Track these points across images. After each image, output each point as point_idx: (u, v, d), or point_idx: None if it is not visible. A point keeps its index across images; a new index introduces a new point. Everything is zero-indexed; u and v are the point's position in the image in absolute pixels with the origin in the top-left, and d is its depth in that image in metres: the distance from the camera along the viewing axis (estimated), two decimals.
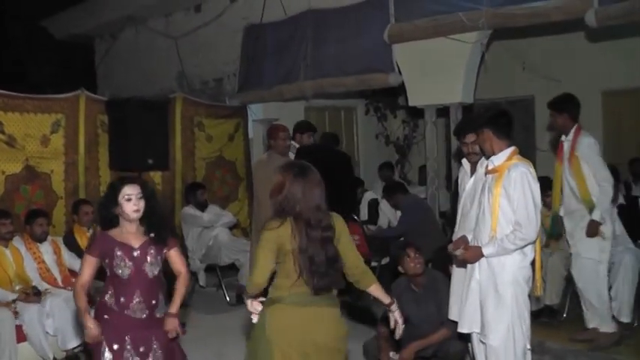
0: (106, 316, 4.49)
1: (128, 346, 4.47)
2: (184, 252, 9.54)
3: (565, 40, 9.87)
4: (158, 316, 4.62)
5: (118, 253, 4.46)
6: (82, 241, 7.84)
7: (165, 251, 4.69)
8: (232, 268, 9.42)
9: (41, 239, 7.42)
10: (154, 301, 4.57)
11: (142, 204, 4.53)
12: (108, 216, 4.59)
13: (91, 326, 4.39)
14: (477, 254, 4.99)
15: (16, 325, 6.63)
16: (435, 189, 8.87)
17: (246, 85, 10.87)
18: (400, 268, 6.21)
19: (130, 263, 4.48)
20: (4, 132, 8.09)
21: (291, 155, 8.32)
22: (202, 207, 9.35)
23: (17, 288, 7.00)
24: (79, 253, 7.64)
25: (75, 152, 8.84)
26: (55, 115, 8.64)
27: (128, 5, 12.61)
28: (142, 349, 4.51)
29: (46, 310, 6.76)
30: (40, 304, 6.77)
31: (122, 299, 4.47)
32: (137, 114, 8.56)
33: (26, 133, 8.32)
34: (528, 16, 7.45)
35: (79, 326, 6.25)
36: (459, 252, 5.11)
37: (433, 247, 7.27)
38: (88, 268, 4.48)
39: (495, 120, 5.07)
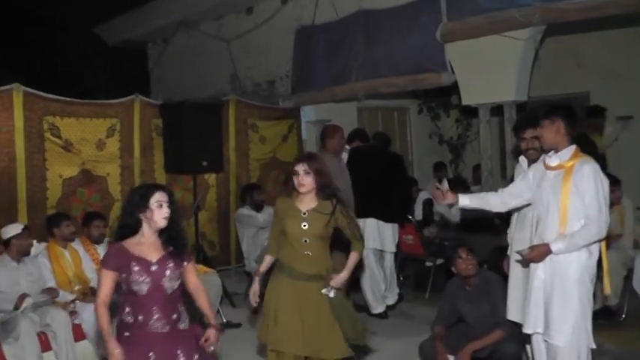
0: (126, 334, 4.28)
1: None
2: (240, 253, 9.62)
3: (622, 34, 9.68)
4: (182, 327, 4.41)
5: (135, 268, 4.23)
6: None
7: (185, 264, 4.48)
8: None
9: (98, 241, 7.50)
10: (174, 316, 4.36)
11: (169, 212, 4.37)
12: (130, 223, 4.36)
13: (115, 351, 4.12)
14: (543, 252, 4.87)
15: (75, 324, 6.69)
16: (490, 188, 8.75)
17: (299, 86, 10.88)
18: (453, 269, 6.16)
19: (148, 279, 4.24)
20: (60, 137, 8.19)
21: (344, 156, 8.31)
22: (258, 208, 9.33)
23: (76, 288, 7.10)
24: None
25: (130, 156, 8.91)
26: (110, 119, 8.72)
27: (180, 10, 12.68)
28: None
29: None
30: None
31: (140, 317, 4.25)
32: (191, 117, 8.64)
33: (82, 137, 8.42)
34: (582, 10, 7.33)
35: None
36: (525, 252, 5.00)
37: (488, 247, 7.19)
38: (106, 283, 4.23)
39: (570, 113, 4.95)
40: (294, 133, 11.06)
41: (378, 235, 8.24)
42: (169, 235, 4.41)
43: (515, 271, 5.62)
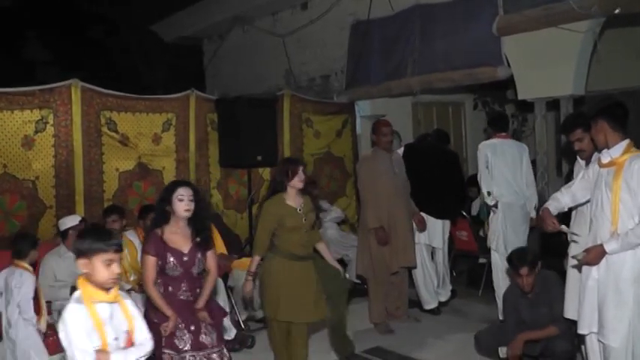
0: None
1: (180, 325, 5.01)
2: None
3: None
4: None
5: (171, 259, 5.04)
6: None
7: (207, 253, 5.26)
8: (340, 264, 9.38)
9: None
10: (198, 290, 5.21)
11: (192, 206, 5.09)
12: (160, 213, 5.15)
13: (170, 314, 4.95)
14: (598, 254, 4.80)
15: None
16: (545, 184, 8.64)
17: (354, 81, 10.84)
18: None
19: (181, 268, 5.07)
20: (117, 131, 8.30)
21: (400, 152, 8.28)
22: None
23: (132, 278, 7.23)
24: None
25: (185, 150, 9.00)
26: (166, 114, 8.81)
27: (235, 6, 12.74)
28: (192, 328, 5.04)
29: None
30: None
31: (170, 288, 5.10)
32: (246, 112, 8.69)
33: (138, 132, 8.53)
34: None
35: None
36: (580, 256, 4.93)
37: (540, 245, 7.11)
38: (151, 268, 5.04)
39: (611, 111, 4.90)
40: (349, 128, 11.04)
41: (428, 231, 8.20)
42: (195, 227, 5.17)
43: (573, 269, 5.56)
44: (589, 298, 4.95)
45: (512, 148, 7.70)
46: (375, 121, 8.54)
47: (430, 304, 8.30)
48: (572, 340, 5.75)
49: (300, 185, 5.98)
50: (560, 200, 5.35)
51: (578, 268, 5.22)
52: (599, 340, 4.96)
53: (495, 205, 7.57)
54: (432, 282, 8.32)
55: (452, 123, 12.34)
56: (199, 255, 5.16)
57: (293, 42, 12.15)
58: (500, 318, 7.18)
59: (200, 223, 5.19)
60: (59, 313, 6.35)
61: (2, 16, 18.26)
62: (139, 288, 6.96)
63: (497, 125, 7.96)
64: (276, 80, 12.52)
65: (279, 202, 5.96)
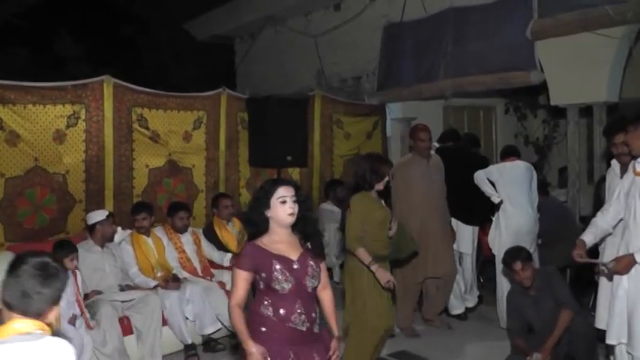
0: (263, 329, 4.03)
1: None
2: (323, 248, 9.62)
3: None
4: (315, 331, 4.14)
5: (277, 266, 4.01)
6: (222, 233, 8.05)
7: (320, 264, 4.26)
8: None
9: (182, 231, 7.63)
10: (313, 314, 4.12)
11: (296, 208, 4.11)
12: (258, 220, 4.13)
13: (254, 350, 3.91)
14: (629, 263, 4.73)
15: None
16: (576, 191, 8.58)
17: (385, 83, 10.80)
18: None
19: (291, 277, 4.02)
20: (148, 128, 8.31)
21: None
22: (340, 204, 9.32)
23: (159, 275, 7.25)
24: (219, 245, 7.88)
25: (216, 148, 9.00)
26: (197, 112, 8.81)
27: (268, 6, 12.75)
28: None
29: (186, 297, 6.97)
30: (180, 291, 6.97)
31: (282, 311, 4.02)
32: (277, 111, 8.68)
33: (169, 129, 8.53)
34: None
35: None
36: (610, 265, 4.87)
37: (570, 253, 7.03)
38: (242, 284, 4.05)
39: None
40: (379, 130, 10.99)
41: (457, 236, 8.15)
42: (304, 232, 4.22)
43: (604, 278, 5.49)
44: (618, 308, 4.88)
45: (522, 171, 7.75)
46: (413, 125, 8.48)
47: (457, 309, 8.24)
48: (587, 316, 5.70)
49: (382, 187, 5.87)
50: (599, 224, 5.26)
51: (607, 276, 5.16)
52: (628, 352, 4.89)
53: (500, 204, 7.65)
54: (459, 287, 8.26)
55: (483, 127, 12.27)
56: (312, 263, 4.14)
57: (325, 43, 12.13)
58: (502, 326, 7.19)
59: (309, 227, 4.24)
60: (86, 307, 6.45)
61: (35, 12, 18.42)
62: (165, 284, 6.98)
63: (505, 151, 8.08)
64: (307, 81, 12.50)
65: (367, 197, 5.82)
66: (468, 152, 8.53)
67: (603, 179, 6.86)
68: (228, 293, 7.14)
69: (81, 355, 5.89)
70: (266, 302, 4.05)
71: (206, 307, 6.95)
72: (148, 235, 7.40)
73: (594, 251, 5.78)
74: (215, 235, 8.01)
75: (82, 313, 6.19)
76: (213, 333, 7.11)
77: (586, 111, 8.69)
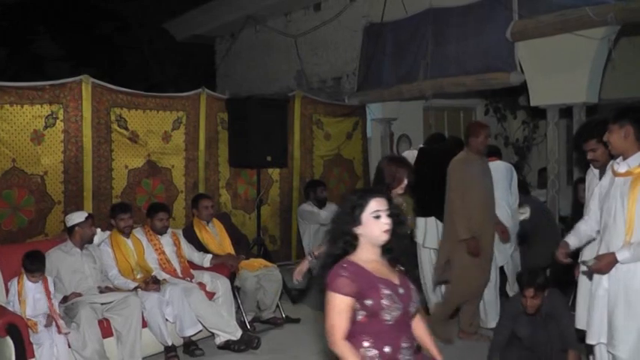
0: None
1: None
2: (301, 249, 9.62)
3: None
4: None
5: (386, 291, 3.41)
6: (202, 234, 7.99)
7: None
8: None
9: (161, 232, 7.57)
10: (415, 344, 3.62)
11: (391, 223, 3.55)
12: (344, 237, 3.54)
13: None
14: (610, 262, 4.72)
15: None
16: (556, 192, 8.58)
17: (366, 84, 10.80)
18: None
19: (400, 304, 3.44)
20: (127, 128, 8.27)
21: (410, 153, 8.20)
22: (321, 204, 9.34)
23: (138, 276, 7.18)
24: (198, 246, 7.84)
25: (195, 148, 8.97)
26: (177, 112, 8.78)
27: (248, 5, 12.69)
28: None
29: (166, 299, 6.89)
30: (159, 293, 6.90)
31: (387, 349, 3.41)
32: (257, 112, 8.70)
33: (148, 129, 8.50)
34: None
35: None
36: (591, 263, 4.86)
37: (551, 253, 7.02)
38: (346, 313, 3.39)
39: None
40: (359, 130, 11.01)
41: (436, 235, 8.10)
42: (394, 249, 3.62)
43: (584, 278, 5.48)
44: (598, 307, 4.87)
45: (502, 171, 7.67)
46: (471, 122, 8.42)
47: (432, 301, 8.11)
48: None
49: (402, 192, 5.57)
50: (581, 230, 5.25)
51: (588, 274, 5.16)
52: (608, 351, 4.89)
53: None
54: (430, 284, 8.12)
55: (463, 128, 12.28)
56: (412, 286, 3.61)
57: (305, 43, 12.11)
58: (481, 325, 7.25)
59: (401, 247, 3.65)
60: (65, 310, 6.41)
61: (13, 11, 18.30)
62: (145, 286, 6.93)
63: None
64: (287, 81, 12.51)
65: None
66: (450, 153, 8.51)
67: (580, 180, 6.87)
68: (209, 294, 7.19)
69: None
70: (367, 343, 3.42)
71: (186, 309, 6.88)
72: (128, 236, 7.35)
73: (575, 254, 5.78)
74: (195, 236, 7.95)
75: (54, 318, 6.13)
76: (193, 335, 7.05)
77: (566, 112, 8.71)
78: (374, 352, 3.38)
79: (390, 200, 3.61)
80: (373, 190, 3.88)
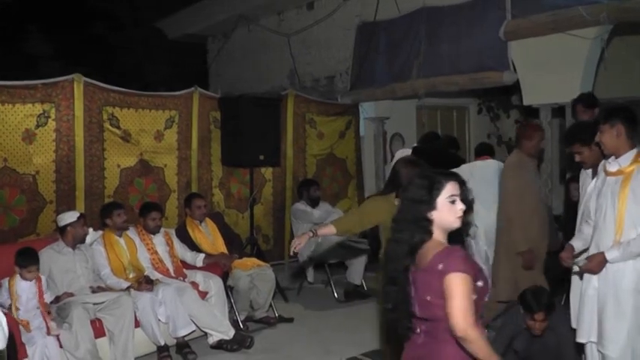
0: None
1: None
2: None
3: None
4: None
5: (480, 283, 3.28)
6: (195, 234, 7.97)
7: None
8: (341, 266, 9.40)
9: (154, 232, 7.54)
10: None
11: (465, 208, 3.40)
12: (424, 224, 3.35)
13: None
14: (600, 261, 4.72)
15: None
16: (549, 191, 8.59)
17: (359, 83, 10.80)
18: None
19: (486, 297, 3.36)
20: (119, 127, 8.23)
21: (402, 152, 8.19)
22: (314, 203, 9.32)
23: (131, 276, 7.16)
24: (191, 245, 7.82)
25: (188, 147, 8.93)
26: (169, 111, 8.74)
27: (241, 4, 12.69)
28: None
29: (159, 299, 6.88)
30: (152, 293, 6.89)
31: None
32: (249, 111, 8.66)
33: (141, 128, 8.45)
34: None
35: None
36: (582, 263, 4.87)
37: (546, 250, 7.01)
38: (470, 295, 3.17)
39: (631, 117, 4.77)
40: (352, 129, 10.98)
41: None
42: (462, 237, 3.53)
43: (576, 277, 5.48)
44: (589, 306, 4.89)
45: (493, 170, 7.43)
46: (524, 122, 8.38)
47: None
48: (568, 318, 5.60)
49: None
50: (585, 232, 5.24)
51: (579, 274, 5.16)
52: (598, 350, 4.90)
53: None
54: None
55: (456, 127, 12.32)
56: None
57: (298, 42, 12.11)
58: None
59: (466, 232, 3.53)
60: (57, 310, 6.38)
61: (5, 9, 18.26)
62: (138, 286, 6.91)
63: (478, 150, 7.94)
64: (280, 80, 12.51)
65: (389, 200, 5.41)
66: (444, 152, 8.52)
67: (572, 179, 6.86)
68: (201, 294, 7.17)
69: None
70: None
71: (179, 309, 6.85)
72: (120, 236, 7.33)
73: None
74: (188, 236, 7.93)
75: (44, 319, 6.11)
76: (186, 335, 7.02)
77: (559, 111, 8.71)
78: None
79: (463, 184, 3.42)
80: (447, 172, 3.52)
